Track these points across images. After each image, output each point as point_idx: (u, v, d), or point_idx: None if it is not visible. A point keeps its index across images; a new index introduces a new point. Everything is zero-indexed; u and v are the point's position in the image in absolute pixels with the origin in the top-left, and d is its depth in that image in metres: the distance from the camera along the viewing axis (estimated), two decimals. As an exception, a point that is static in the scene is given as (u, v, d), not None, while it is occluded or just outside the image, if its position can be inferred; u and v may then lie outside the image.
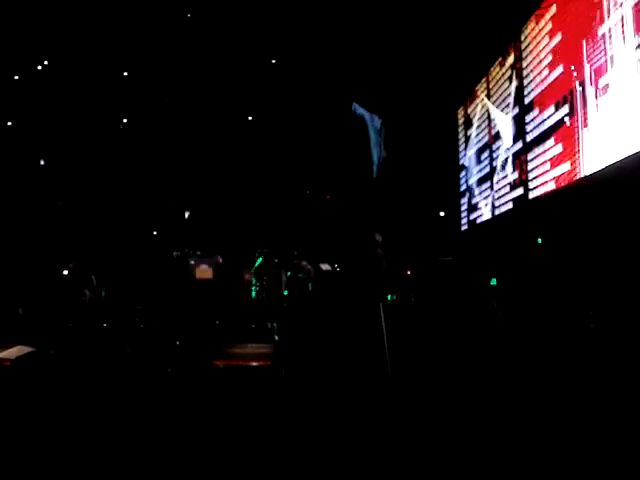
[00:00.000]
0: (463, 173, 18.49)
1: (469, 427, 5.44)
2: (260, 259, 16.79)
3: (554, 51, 11.26)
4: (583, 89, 9.99)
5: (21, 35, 17.79)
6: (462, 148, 18.64)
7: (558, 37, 11.04)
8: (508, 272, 13.64)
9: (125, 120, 20.50)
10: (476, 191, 16.94)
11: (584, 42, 9.92)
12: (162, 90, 19.88)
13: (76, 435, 5.29)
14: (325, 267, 14.48)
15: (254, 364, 10.11)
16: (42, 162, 19.84)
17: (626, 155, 8.66)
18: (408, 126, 20.47)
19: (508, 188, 14.10)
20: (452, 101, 19.09)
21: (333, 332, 10.75)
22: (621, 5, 8.66)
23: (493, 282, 14.44)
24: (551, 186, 11.43)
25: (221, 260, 18.18)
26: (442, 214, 20.23)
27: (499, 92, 14.75)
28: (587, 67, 9.84)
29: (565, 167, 10.75)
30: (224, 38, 18.77)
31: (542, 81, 11.84)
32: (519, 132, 13.27)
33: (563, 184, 10.89)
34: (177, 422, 5.78)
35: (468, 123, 17.84)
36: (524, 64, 12.89)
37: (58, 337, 11.37)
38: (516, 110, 13.51)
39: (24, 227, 18.48)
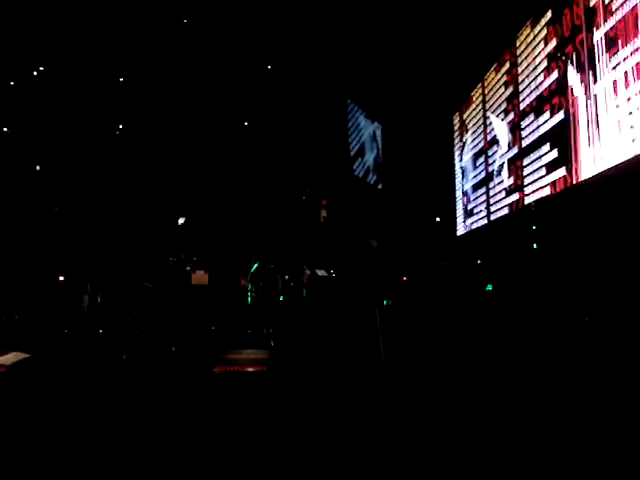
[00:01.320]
0: (459, 178, 18.53)
1: (463, 435, 5.44)
2: (256, 265, 16.78)
3: (549, 57, 11.31)
4: (579, 94, 10.03)
5: (18, 42, 17.80)
6: (458, 154, 18.68)
7: (553, 43, 11.09)
8: (504, 277, 13.67)
9: (121, 126, 20.50)
10: (472, 196, 16.97)
11: (579, 47, 9.97)
12: (158, 96, 19.89)
13: (72, 439, 5.28)
14: (321, 273, 14.50)
15: (250, 370, 10.09)
16: (38, 168, 19.82)
17: (623, 160, 8.69)
18: (404, 132, 20.52)
19: (504, 193, 14.13)
20: (447, 107, 19.14)
21: (329, 337, 10.75)
22: (615, 12, 8.71)
23: (489, 288, 14.48)
24: (546, 191, 11.46)
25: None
26: (438, 219, 20.26)
27: (494, 98, 14.80)
28: (583, 73, 9.88)
29: (560, 172, 10.78)
30: (220, 44, 18.80)
31: (537, 87, 11.88)
32: (514, 138, 13.31)
33: (558, 189, 10.92)
34: (174, 427, 5.77)
35: (464, 129, 17.89)
36: (519, 70, 12.93)
37: (54, 343, 11.35)
38: (511, 116, 13.55)
39: (20, 233, 18.45)
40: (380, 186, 22.39)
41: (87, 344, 11.61)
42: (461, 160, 18.24)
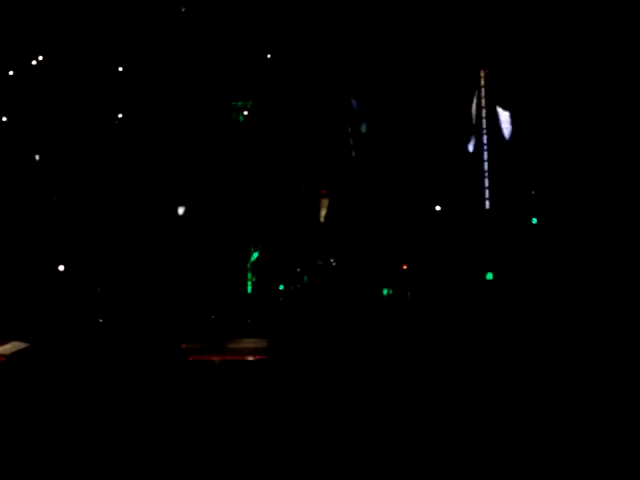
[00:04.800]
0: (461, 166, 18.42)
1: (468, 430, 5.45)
2: (256, 254, 16.76)
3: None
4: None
5: (16, 31, 17.72)
6: (459, 141, 18.54)
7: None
8: (503, 265, 13.66)
9: (120, 115, 20.42)
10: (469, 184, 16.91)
11: None
12: (157, 85, 19.80)
13: (71, 428, 5.28)
14: (320, 262, 14.51)
15: (250, 358, 10.11)
16: (37, 157, 19.76)
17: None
18: (405, 120, 20.41)
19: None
20: (447, 96, 19.02)
21: (328, 326, 10.74)
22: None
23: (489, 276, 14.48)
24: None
25: None
26: (438, 208, 20.16)
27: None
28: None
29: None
30: (219, 33, 18.71)
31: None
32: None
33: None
34: (174, 416, 5.76)
35: (466, 119, 17.79)
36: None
37: (53, 333, 11.37)
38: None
39: (19, 223, 18.41)
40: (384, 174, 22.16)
41: (86, 334, 11.63)
42: (464, 147, 18.16)
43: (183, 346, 10.71)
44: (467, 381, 7.14)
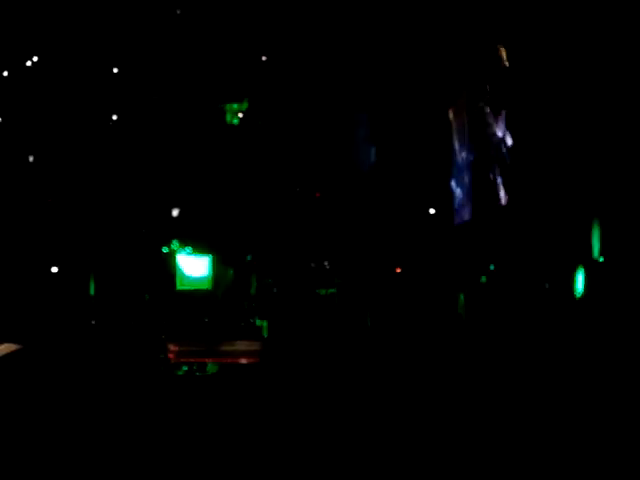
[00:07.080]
0: (454, 169, 18.46)
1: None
2: (249, 257, 16.78)
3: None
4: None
5: (10, 31, 17.71)
6: (455, 145, 18.60)
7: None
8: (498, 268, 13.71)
9: (115, 117, 20.41)
10: (466, 187, 16.95)
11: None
12: (152, 87, 19.81)
13: (63, 430, 5.28)
14: (313, 265, 14.55)
15: (243, 361, 10.13)
16: (31, 159, 19.73)
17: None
18: (401, 124, 20.42)
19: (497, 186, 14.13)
20: (444, 100, 19.04)
21: (322, 330, 10.76)
22: None
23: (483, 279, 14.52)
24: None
25: None
26: (433, 211, 20.18)
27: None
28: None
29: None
30: (213, 35, 18.73)
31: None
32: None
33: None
34: (167, 419, 5.77)
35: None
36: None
37: (46, 335, 11.36)
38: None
39: (12, 225, 18.38)
40: (375, 178, 22.23)
41: (80, 336, 11.62)
42: (457, 151, 18.21)
43: (176, 348, 10.71)
44: (466, 385, 7.17)
